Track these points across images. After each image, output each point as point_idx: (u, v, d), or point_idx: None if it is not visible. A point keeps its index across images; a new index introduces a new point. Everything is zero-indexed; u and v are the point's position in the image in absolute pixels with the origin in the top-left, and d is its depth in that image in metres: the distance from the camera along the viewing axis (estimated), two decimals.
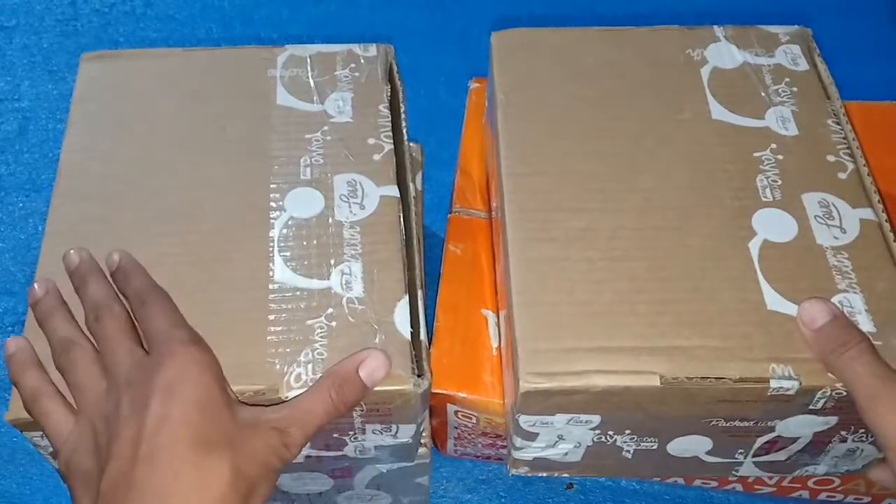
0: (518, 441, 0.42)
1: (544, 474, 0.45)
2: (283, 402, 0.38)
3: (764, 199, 0.42)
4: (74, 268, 0.41)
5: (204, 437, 0.34)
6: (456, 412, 0.47)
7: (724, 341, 0.38)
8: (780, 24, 0.50)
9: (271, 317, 0.40)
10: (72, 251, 0.41)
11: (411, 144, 0.56)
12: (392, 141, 0.46)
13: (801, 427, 0.40)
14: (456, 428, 0.50)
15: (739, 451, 0.42)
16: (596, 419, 0.39)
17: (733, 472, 0.45)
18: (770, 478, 0.50)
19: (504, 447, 0.51)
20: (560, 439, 0.41)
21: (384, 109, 0.48)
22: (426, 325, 0.41)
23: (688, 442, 0.41)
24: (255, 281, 0.41)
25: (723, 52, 0.48)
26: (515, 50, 0.48)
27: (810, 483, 0.51)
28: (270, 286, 0.41)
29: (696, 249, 0.40)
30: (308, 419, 0.36)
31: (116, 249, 0.41)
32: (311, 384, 0.38)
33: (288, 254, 0.42)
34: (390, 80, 0.49)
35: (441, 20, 0.80)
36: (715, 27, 0.49)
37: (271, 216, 0.43)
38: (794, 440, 0.41)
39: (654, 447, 0.42)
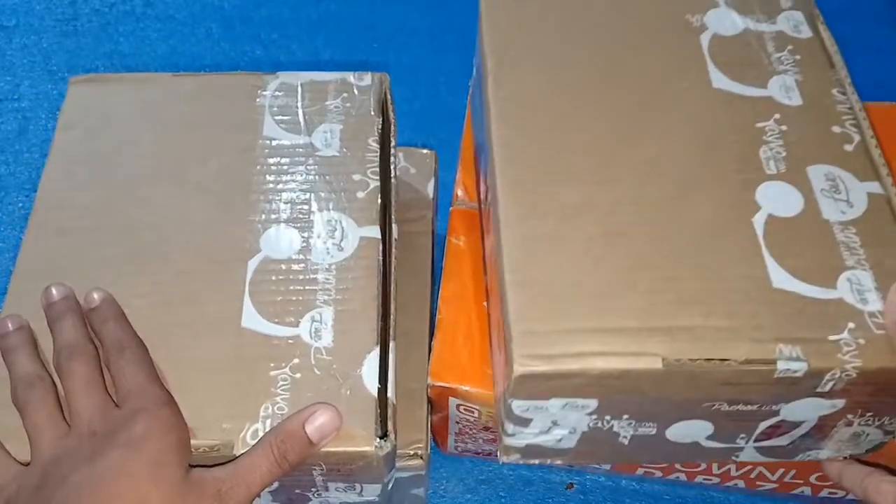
0: (510, 427, 0.39)
1: (537, 462, 0.43)
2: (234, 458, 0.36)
3: (768, 172, 0.40)
4: (53, 302, 0.40)
5: (144, 500, 0.33)
6: (458, 406, 0.46)
7: (728, 320, 0.36)
8: None
9: (235, 366, 0.39)
10: (53, 286, 0.40)
11: (425, 151, 0.56)
12: (379, 178, 0.44)
13: (806, 410, 0.38)
14: (457, 423, 0.48)
15: (741, 436, 0.40)
16: (593, 403, 0.37)
17: (733, 458, 0.42)
18: (773, 472, 0.49)
19: None
20: (554, 425, 0.39)
21: (373, 143, 0.46)
22: (395, 380, 0.40)
23: (688, 427, 0.39)
24: (222, 327, 0.40)
25: (723, 18, 0.46)
26: (505, 13, 0.46)
27: (812, 479, 0.49)
28: (237, 333, 0.39)
29: (698, 224, 0.38)
30: (251, 478, 0.36)
31: (97, 288, 0.40)
32: None
33: (259, 298, 0.40)
34: (383, 111, 0.47)
35: (441, 20, 0.79)
36: None
37: (246, 256, 0.42)
38: (798, 424, 0.39)
39: (653, 433, 0.40)
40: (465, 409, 0.47)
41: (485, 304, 0.48)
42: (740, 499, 0.54)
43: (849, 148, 0.41)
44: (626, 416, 0.39)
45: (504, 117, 0.42)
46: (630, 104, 0.43)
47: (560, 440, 0.40)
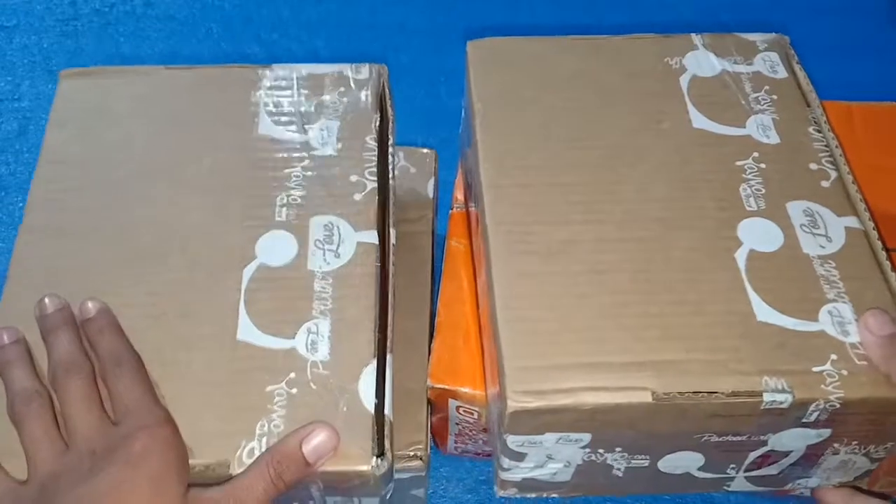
0: (505, 462, 0.41)
1: (533, 495, 0.44)
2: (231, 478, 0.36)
3: (748, 209, 0.41)
4: (47, 314, 0.40)
5: None
6: (457, 408, 0.47)
7: (714, 354, 0.37)
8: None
9: (230, 381, 0.38)
10: (47, 297, 0.40)
11: (425, 150, 0.56)
12: (376, 179, 0.44)
13: (794, 440, 0.39)
14: (457, 424, 0.49)
15: (731, 466, 0.42)
16: (586, 437, 0.38)
17: (725, 487, 0.44)
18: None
19: None
20: (549, 459, 0.40)
21: (371, 142, 0.45)
22: (392, 394, 0.39)
23: (679, 458, 0.41)
24: (218, 340, 0.39)
25: (701, 61, 0.48)
26: (491, 59, 0.47)
27: None
28: (233, 346, 0.39)
29: (681, 260, 0.40)
30: (247, 498, 0.35)
31: (92, 298, 0.40)
32: None
33: (255, 308, 0.40)
34: (381, 105, 0.47)
35: (441, 20, 0.79)
36: (692, 35, 0.49)
37: (242, 264, 0.41)
38: (786, 454, 0.40)
39: (646, 464, 0.41)
40: (464, 411, 0.47)
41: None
42: (741, 498, 0.54)
43: (826, 184, 0.43)
44: (618, 449, 0.40)
45: (492, 161, 0.44)
46: (612, 146, 0.44)
47: (555, 474, 0.42)
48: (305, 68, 0.49)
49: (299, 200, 0.43)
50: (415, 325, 0.49)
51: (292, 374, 0.38)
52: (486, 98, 0.46)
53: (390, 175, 0.45)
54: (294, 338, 0.39)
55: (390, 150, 0.46)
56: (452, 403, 0.47)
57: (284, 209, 0.43)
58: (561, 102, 0.46)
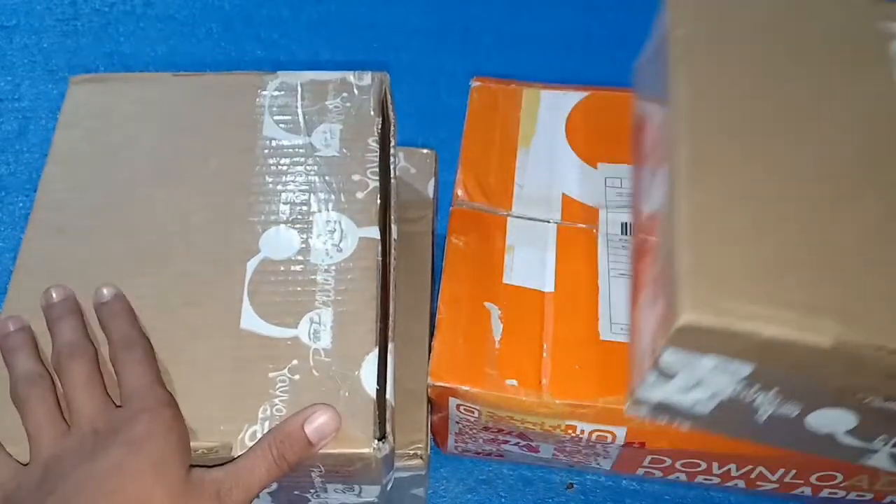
0: (652, 377, 0.38)
1: (664, 421, 0.42)
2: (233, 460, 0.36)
3: None
4: (52, 303, 0.40)
5: (147, 498, 0.33)
6: (458, 406, 0.46)
7: None
8: None
9: (233, 368, 0.38)
10: (53, 288, 0.40)
11: (425, 151, 0.56)
12: (378, 178, 0.44)
13: None
14: (457, 423, 0.48)
15: (882, 436, 0.39)
16: (747, 369, 0.36)
17: (864, 460, 0.41)
18: (773, 472, 0.48)
19: (506, 443, 0.50)
20: (697, 385, 0.38)
21: (373, 143, 0.45)
22: (394, 381, 0.39)
23: (832, 415, 0.38)
24: (221, 328, 0.40)
25: None
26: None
27: (812, 479, 0.49)
28: (236, 334, 0.39)
29: (877, 215, 0.37)
30: (250, 479, 0.35)
31: (107, 284, 0.40)
32: None
33: (258, 299, 0.40)
34: (383, 110, 0.47)
35: (441, 20, 0.78)
36: None
37: (245, 258, 0.42)
38: None
39: (793, 415, 0.38)
40: (465, 410, 0.46)
41: (485, 304, 0.47)
42: (741, 499, 0.54)
43: None
44: (775, 390, 0.37)
45: (688, 102, 0.41)
46: (811, 98, 0.41)
47: (695, 404, 0.40)
48: (309, 75, 0.48)
49: (303, 199, 0.44)
50: (415, 325, 0.48)
51: (295, 362, 0.39)
52: (684, 36, 0.43)
53: (392, 175, 0.45)
54: (297, 327, 0.40)
55: (392, 151, 0.46)
56: (453, 402, 0.46)
57: (288, 207, 0.43)
58: (763, 52, 0.43)
